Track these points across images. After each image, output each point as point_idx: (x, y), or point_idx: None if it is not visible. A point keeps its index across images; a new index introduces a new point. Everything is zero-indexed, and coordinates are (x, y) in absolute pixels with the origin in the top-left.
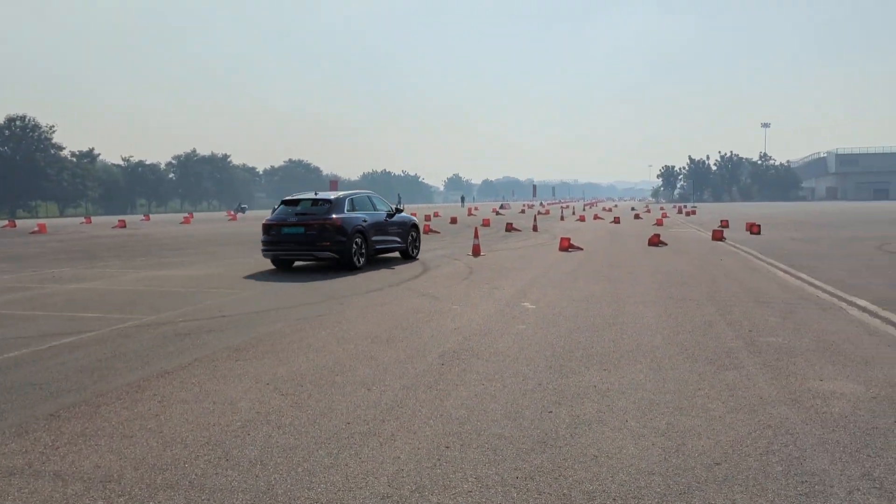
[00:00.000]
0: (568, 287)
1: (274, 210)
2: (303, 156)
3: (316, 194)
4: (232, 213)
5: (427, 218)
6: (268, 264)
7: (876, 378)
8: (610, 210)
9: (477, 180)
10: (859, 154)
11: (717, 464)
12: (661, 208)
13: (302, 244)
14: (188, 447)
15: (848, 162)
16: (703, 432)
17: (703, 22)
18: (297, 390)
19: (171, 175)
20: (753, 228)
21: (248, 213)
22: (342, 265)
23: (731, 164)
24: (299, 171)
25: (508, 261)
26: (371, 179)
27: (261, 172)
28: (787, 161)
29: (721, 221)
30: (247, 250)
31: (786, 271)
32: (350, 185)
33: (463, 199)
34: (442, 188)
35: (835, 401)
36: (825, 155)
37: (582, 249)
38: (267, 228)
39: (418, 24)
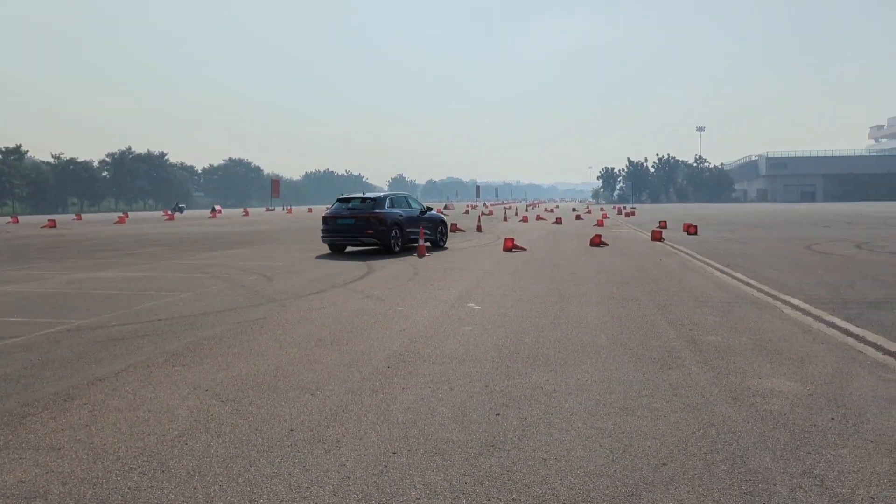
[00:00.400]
0: (512, 287)
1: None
2: (243, 154)
3: (364, 194)
4: (169, 212)
5: None
6: (204, 266)
7: (812, 376)
8: (552, 211)
9: (421, 181)
10: (788, 158)
11: (664, 464)
12: (602, 209)
13: (352, 232)
14: (121, 459)
15: (777, 165)
16: (648, 432)
17: (641, 28)
18: (238, 396)
19: (104, 173)
20: (690, 229)
21: (185, 212)
22: (383, 250)
23: (669, 167)
24: (239, 170)
25: (453, 261)
26: (314, 179)
27: (199, 171)
28: (721, 163)
29: (659, 222)
30: (184, 251)
31: (722, 271)
32: (292, 184)
33: None
34: (386, 188)
35: (774, 399)
36: (756, 158)
37: (525, 250)
38: (325, 220)
39: (360, 24)
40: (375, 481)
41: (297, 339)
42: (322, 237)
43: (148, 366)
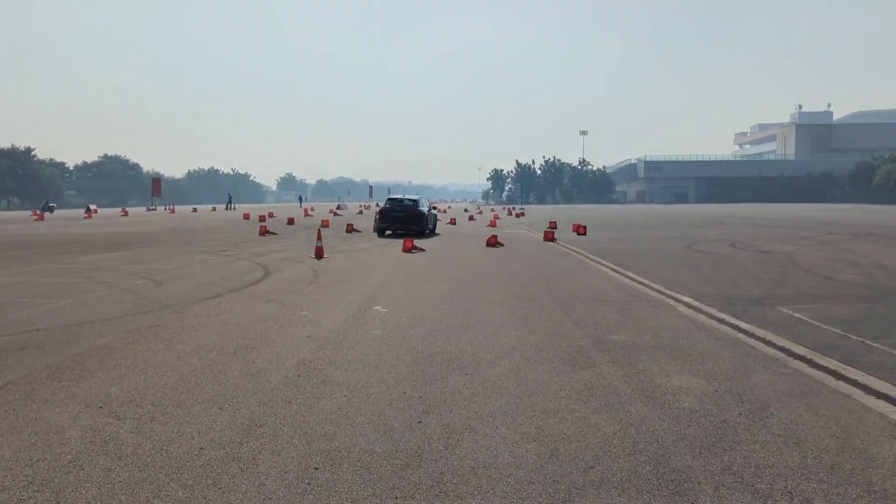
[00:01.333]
0: (417, 289)
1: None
2: (120, 151)
3: (404, 195)
4: (38, 212)
5: (262, 218)
6: (84, 270)
7: (713, 372)
8: (445, 211)
9: (311, 180)
10: (663, 161)
11: (591, 467)
12: (493, 210)
13: (402, 222)
14: (7, 490)
15: (654, 168)
16: (572, 435)
17: (526, 32)
18: (137, 413)
19: None
20: (580, 230)
21: (57, 212)
22: (419, 233)
23: (554, 169)
24: (116, 167)
25: (353, 263)
26: (197, 178)
27: (71, 168)
28: (603, 166)
29: (550, 223)
30: (59, 254)
31: (615, 270)
32: (174, 183)
33: (301, 198)
34: (274, 187)
35: (683, 396)
36: (635, 161)
37: (424, 251)
38: (383, 212)
39: (244, 21)
40: (300, 501)
41: (196, 347)
42: (379, 224)
43: (30, 382)
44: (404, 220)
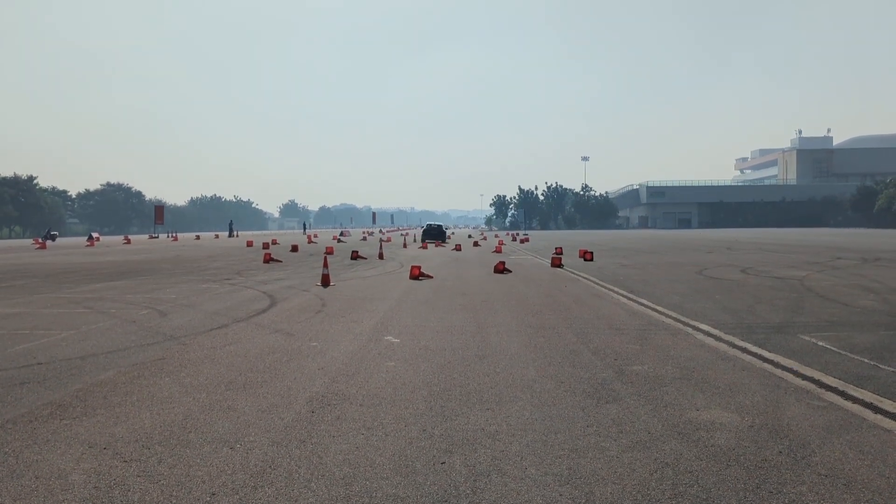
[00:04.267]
0: (427, 318)
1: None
2: (122, 178)
3: (434, 223)
4: (40, 240)
5: (265, 246)
6: (87, 300)
7: (745, 405)
8: (449, 237)
9: (314, 207)
10: (666, 186)
11: None
12: (497, 236)
13: (436, 236)
14: None
15: (656, 193)
16: (606, 476)
17: (528, 62)
18: (144, 454)
19: None
20: (586, 255)
21: (59, 240)
22: (441, 242)
23: (557, 195)
24: (118, 195)
25: (360, 291)
26: (200, 205)
27: (74, 196)
28: (606, 192)
29: (556, 248)
30: (61, 284)
31: (627, 297)
32: (176, 210)
33: (305, 225)
34: (277, 214)
35: (717, 432)
36: (637, 187)
37: (432, 277)
38: (425, 232)
39: (250, 50)
40: None
41: (204, 382)
42: (423, 237)
43: (30, 420)
44: (437, 235)
